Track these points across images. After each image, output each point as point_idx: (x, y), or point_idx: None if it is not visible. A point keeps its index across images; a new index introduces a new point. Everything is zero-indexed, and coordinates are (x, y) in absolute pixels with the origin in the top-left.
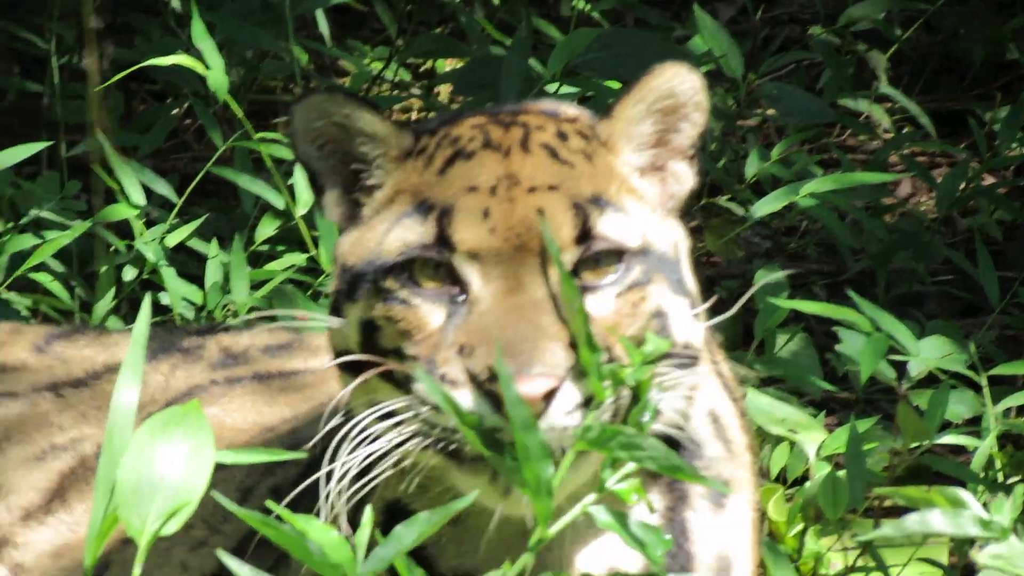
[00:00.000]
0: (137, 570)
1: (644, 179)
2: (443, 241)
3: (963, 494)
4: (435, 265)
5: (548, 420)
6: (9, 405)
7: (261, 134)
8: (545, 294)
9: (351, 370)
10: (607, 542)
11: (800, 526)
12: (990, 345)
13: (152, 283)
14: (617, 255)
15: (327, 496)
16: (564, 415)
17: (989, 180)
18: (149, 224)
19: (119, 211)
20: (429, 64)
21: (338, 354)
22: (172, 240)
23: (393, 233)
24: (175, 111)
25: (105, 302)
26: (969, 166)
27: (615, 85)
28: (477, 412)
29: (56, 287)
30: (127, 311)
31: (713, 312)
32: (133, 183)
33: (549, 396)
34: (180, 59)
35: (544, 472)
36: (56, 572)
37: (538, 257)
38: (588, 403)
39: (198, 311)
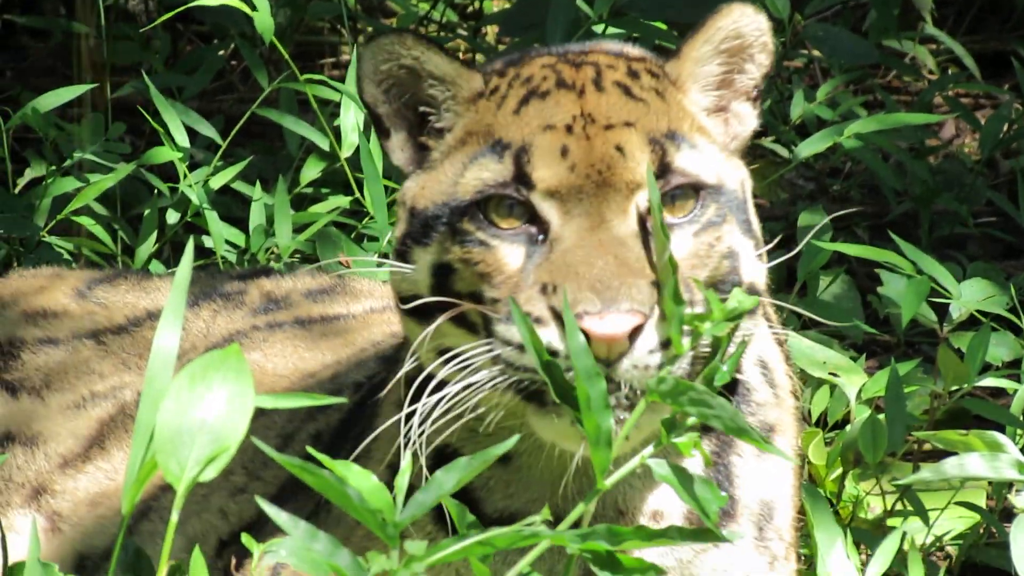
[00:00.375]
0: (175, 516)
1: (711, 119)
2: (521, 179)
3: (1001, 438)
4: (512, 204)
5: (632, 358)
6: (50, 352)
7: (307, 75)
8: (628, 231)
9: (419, 315)
10: (656, 486)
11: (839, 470)
12: None
13: (195, 226)
14: (694, 191)
15: (407, 443)
16: (647, 353)
17: None
18: (193, 166)
19: (163, 153)
20: (476, 4)
21: (404, 299)
22: (216, 182)
23: (469, 172)
24: (221, 52)
25: (147, 246)
26: (1013, 107)
27: (662, 26)
28: (563, 351)
29: (99, 230)
30: (170, 254)
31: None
32: (177, 125)
33: (634, 333)
34: (227, 0)
35: (605, 422)
36: (93, 520)
37: (619, 193)
38: (670, 343)
39: (241, 254)
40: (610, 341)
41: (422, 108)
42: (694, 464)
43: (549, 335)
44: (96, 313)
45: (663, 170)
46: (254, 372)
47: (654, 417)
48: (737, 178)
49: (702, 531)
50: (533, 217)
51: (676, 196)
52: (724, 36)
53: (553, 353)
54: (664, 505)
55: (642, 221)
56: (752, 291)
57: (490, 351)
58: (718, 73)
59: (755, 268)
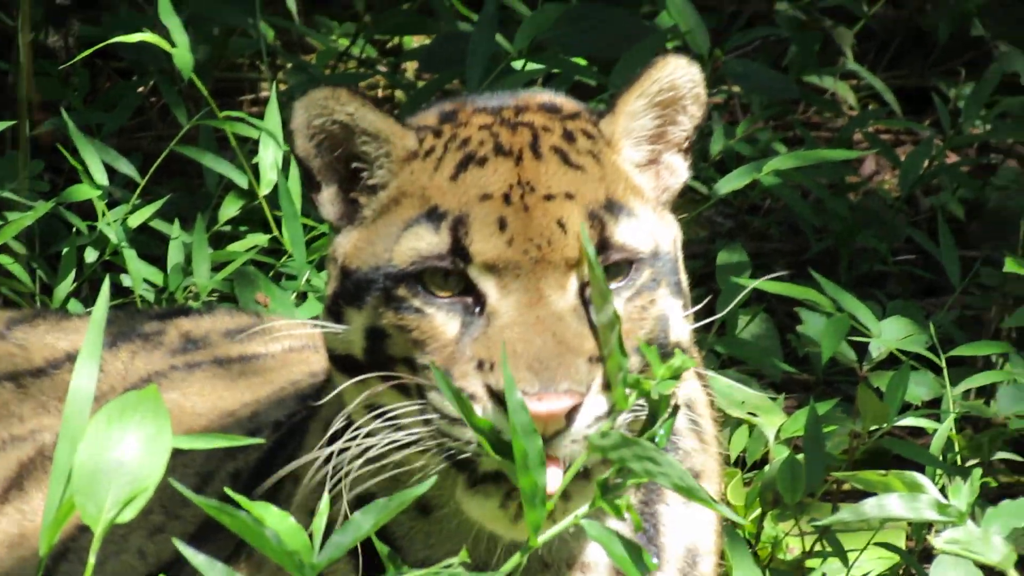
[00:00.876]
0: (92, 558)
1: (643, 174)
2: (458, 251)
3: (920, 478)
4: (447, 274)
5: (570, 434)
6: None
7: (226, 112)
8: (566, 306)
9: (351, 372)
10: (584, 539)
11: (758, 510)
12: (951, 325)
13: (114, 265)
14: (628, 264)
15: (331, 485)
16: (585, 427)
17: (953, 158)
18: (112, 204)
19: (82, 191)
20: (396, 40)
21: (336, 357)
22: (134, 221)
23: (404, 241)
24: (140, 89)
25: (66, 284)
26: (933, 144)
27: (582, 62)
28: (497, 427)
29: (17, 269)
30: (88, 293)
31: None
32: (96, 163)
33: (571, 412)
34: (146, 36)
35: (540, 478)
36: (13, 562)
37: (558, 269)
38: (610, 414)
39: (159, 293)
40: (547, 420)
41: (354, 164)
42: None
43: (482, 412)
44: (15, 355)
45: (602, 245)
46: (172, 411)
47: (590, 485)
48: (670, 238)
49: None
50: (469, 288)
51: (610, 268)
52: (659, 89)
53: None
54: (591, 557)
55: (580, 292)
56: (679, 348)
57: (422, 414)
58: (651, 127)
59: (682, 327)
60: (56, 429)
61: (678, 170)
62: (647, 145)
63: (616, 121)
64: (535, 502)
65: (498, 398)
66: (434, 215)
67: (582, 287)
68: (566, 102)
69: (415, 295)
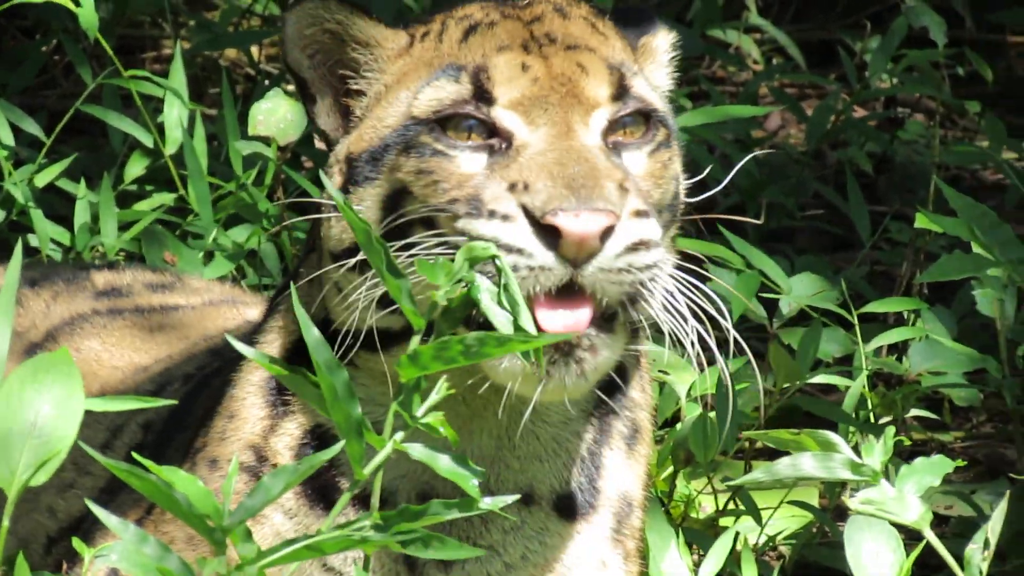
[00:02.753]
0: (5, 522)
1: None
2: (481, 96)
3: (834, 437)
4: (472, 124)
5: (600, 260)
6: None
7: (131, 71)
8: (594, 142)
9: (355, 269)
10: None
11: (670, 469)
12: (861, 281)
13: (20, 225)
14: (645, 117)
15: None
16: (615, 256)
17: (860, 112)
18: (18, 164)
19: None
20: None
21: (340, 254)
22: (41, 180)
23: (423, 94)
24: (44, 48)
25: None
26: (839, 98)
27: None
28: (530, 250)
29: None
30: None
31: None
32: (1, 121)
33: (606, 234)
34: None
35: (354, 412)
36: None
37: (582, 106)
38: (637, 247)
39: (66, 252)
40: (583, 240)
41: (342, 71)
42: (575, 445)
43: (518, 234)
44: None
45: (622, 92)
46: (91, 361)
47: (609, 357)
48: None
49: (465, 502)
50: (493, 132)
51: (627, 123)
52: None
53: (519, 251)
54: (537, 488)
55: (603, 138)
56: (678, 219)
57: (443, 240)
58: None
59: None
60: None
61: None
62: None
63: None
64: (352, 434)
65: (533, 218)
66: (451, 68)
67: (605, 132)
68: None
69: (437, 140)
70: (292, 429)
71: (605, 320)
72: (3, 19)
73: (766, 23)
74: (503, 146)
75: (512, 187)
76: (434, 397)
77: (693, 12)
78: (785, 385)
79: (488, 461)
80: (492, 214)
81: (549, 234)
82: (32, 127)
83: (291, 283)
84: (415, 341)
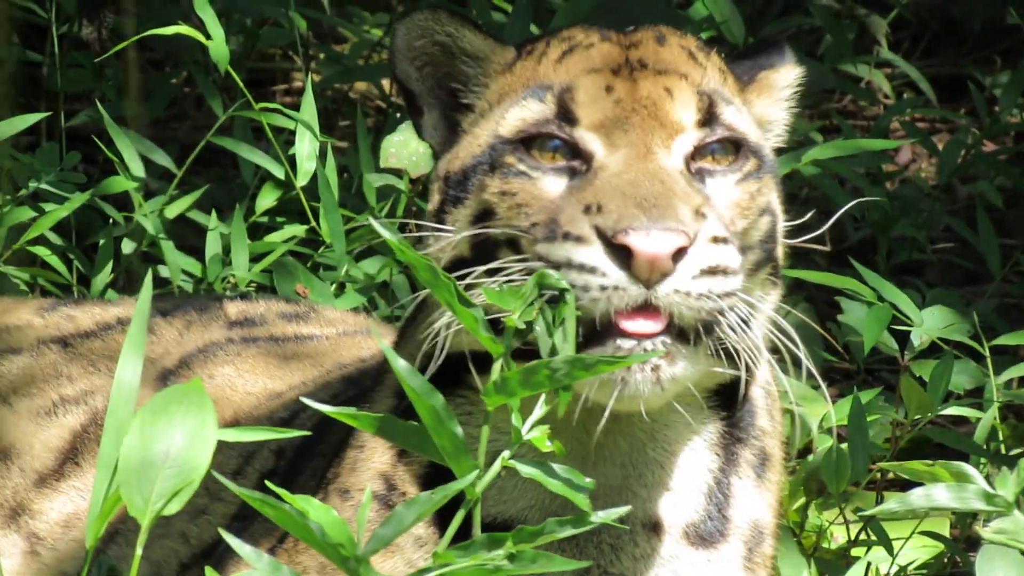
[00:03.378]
0: (139, 550)
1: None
2: (564, 116)
3: (967, 468)
4: (556, 144)
5: (674, 280)
6: (14, 360)
7: (261, 104)
8: (673, 165)
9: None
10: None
11: (802, 499)
12: (991, 314)
13: (151, 256)
14: (735, 146)
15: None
16: (690, 278)
17: (990, 147)
18: (148, 195)
19: (118, 183)
20: None
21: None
22: (171, 212)
23: (510, 114)
24: (174, 80)
25: (103, 275)
26: (969, 132)
27: None
28: (603, 269)
29: (54, 260)
30: (125, 283)
31: None
32: (132, 154)
33: (678, 255)
34: (181, 29)
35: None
36: (66, 544)
37: (664, 130)
38: (715, 272)
39: (197, 284)
40: (654, 260)
41: (454, 85)
42: (701, 474)
43: (591, 254)
44: (62, 323)
45: (709, 119)
46: (224, 387)
47: (689, 369)
48: (773, 154)
49: (578, 518)
50: (576, 153)
51: (716, 150)
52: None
53: (591, 270)
54: (666, 520)
55: (686, 163)
56: (779, 263)
57: (525, 264)
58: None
59: (782, 240)
60: (108, 390)
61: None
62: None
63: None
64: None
65: (606, 239)
66: (539, 90)
67: (688, 159)
68: None
69: (521, 160)
70: (420, 457)
71: (683, 334)
72: (134, 51)
73: (897, 57)
74: (583, 168)
75: (587, 209)
76: (537, 413)
77: (824, 46)
78: (916, 416)
79: (616, 491)
80: (567, 236)
81: (621, 254)
82: (163, 159)
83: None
84: (497, 368)
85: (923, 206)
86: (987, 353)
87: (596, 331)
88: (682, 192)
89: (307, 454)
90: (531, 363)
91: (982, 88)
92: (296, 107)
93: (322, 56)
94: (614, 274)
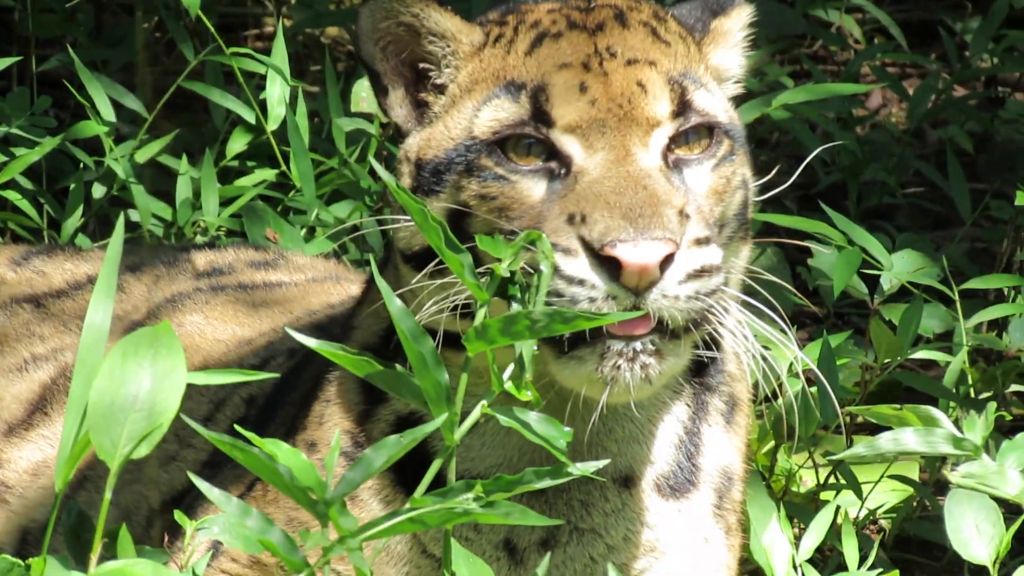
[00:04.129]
0: (107, 494)
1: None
2: (540, 117)
3: (936, 412)
4: (531, 143)
5: (662, 287)
6: None
7: (232, 48)
8: (652, 164)
9: (421, 268)
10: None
11: (771, 443)
12: (961, 258)
13: (122, 200)
14: (708, 130)
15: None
16: (677, 284)
17: (960, 91)
18: (119, 140)
19: (89, 127)
20: None
21: (410, 256)
22: (142, 156)
23: (483, 113)
24: (146, 25)
25: (74, 219)
26: (940, 77)
27: None
28: (592, 281)
29: (25, 204)
30: (96, 228)
31: None
32: (103, 99)
33: (665, 262)
34: None
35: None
36: (35, 491)
37: (640, 127)
38: (700, 274)
39: (168, 228)
40: (643, 270)
41: (421, 65)
42: (671, 425)
43: (578, 267)
44: (34, 280)
45: (682, 108)
46: (193, 335)
47: (676, 363)
48: (739, 119)
49: (556, 469)
50: (552, 154)
51: (691, 135)
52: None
53: (580, 282)
54: (639, 471)
55: (664, 157)
56: (747, 219)
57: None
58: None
59: (752, 200)
60: (78, 348)
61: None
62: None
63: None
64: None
65: (592, 250)
66: (512, 87)
67: (665, 151)
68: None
69: (498, 164)
70: (387, 415)
71: (673, 332)
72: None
73: (867, 3)
74: (562, 171)
75: (571, 219)
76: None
77: None
78: (886, 360)
79: (585, 446)
80: (553, 247)
81: (609, 265)
82: (133, 103)
83: (378, 272)
84: (481, 314)
85: (893, 151)
86: (956, 297)
87: (581, 334)
88: (665, 195)
89: (278, 402)
90: (511, 312)
91: (952, 33)
92: (267, 52)
93: (293, 1)
94: (603, 286)
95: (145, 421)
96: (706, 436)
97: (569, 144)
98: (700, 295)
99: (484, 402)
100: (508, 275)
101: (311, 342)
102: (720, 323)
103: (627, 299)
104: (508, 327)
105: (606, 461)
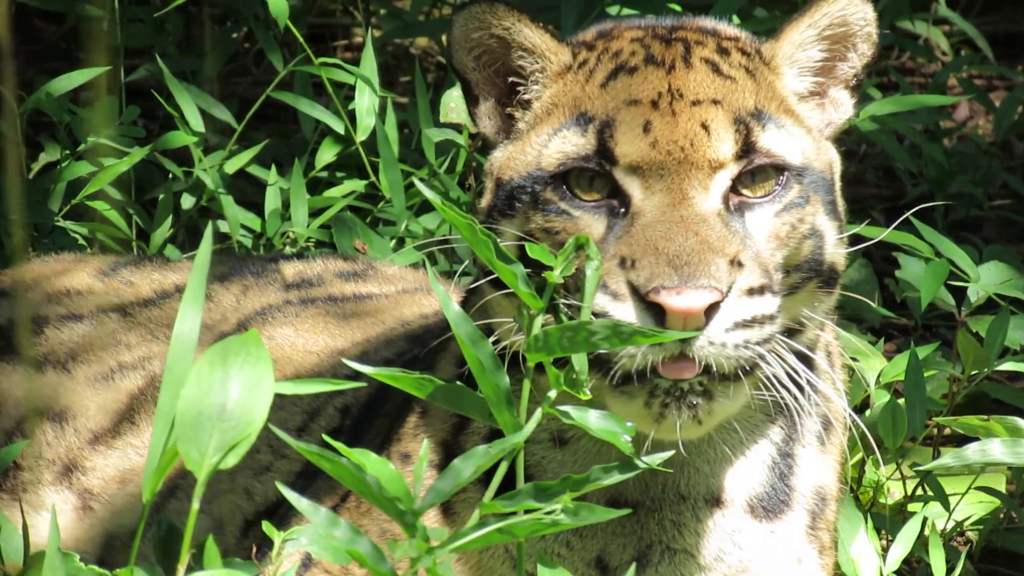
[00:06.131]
0: (195, 504)
1: (804, 103)
2: (604, 153)
3: (1022, 423)
4: (593, 177)
5: (708, 334)
6: (74, 327)
7: (321, 59)
8: (710, 208)
9: (497, 287)
10: (722, 472)
11: (860, 455)
12: None
13: (210, 211)
14: (777, 171)
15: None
16: (724, 331)
17: None
18: (208, 151)
19: (178, 138)
20: None
21: (487, 271)
22: (231, 166)
23: (552, 144)
24: (234, 35)
25: (163, 230)
26: None
27: (676, 7)
28: (639, 325)
29: (113, 215)
30: (185, 239)
31: None
32: (192, 109)
33: (711, 310)
34: None
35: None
36: (123, 498)
37: (701, 171)
38: (751, 323)
39: (257, 238)
40: (686, 316)
41: (511, 78)
42: (765, 447)
43: (625, 311)
44: (121, 290)
45: (746, 149)
46: (284, 347)
47: (727, 404)
48: (825, 160)
49: (625, 464)
50: (615, 191)
51: (756, 175)
52: (829, 22)
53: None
54: (729, 494)
55: (725, 200)
56: (832, 272)
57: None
58: (818, 59)
59: (837, 250)
60: (165, 357)
61: (843, 105)
62: (811, 76)
63: (778, 46)
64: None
65: (639, 295)
66: (582, 119)
67: (727, 193)
68: (728, 27)
69: (562, 198)
70: (480, 427)
71: (724, 376)
72: (194, 7)
73: (955, 15)
74: (622, 210)
75: (622, 262)
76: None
77: (882, 4)
78: (973, 372)
79: (677, 465)
80: (604, 288)
81: (654, 310)
82: (223, 114)
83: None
84: (537, 324)
85: (980, 162)
86: None
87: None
88: (717, 242)
89: (373, 413)
90: (570, 323)
91: None
92: (356, 63)
93: (382, 12)
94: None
95: (233, 431)
96: (800, 458)
97: (630, 184)
98: (750, 344)
99: (546, 401)
100: (561, 282)
101: (367, 369)
102: (774, 369)
103: (673, 344)
104: (567, 337)
105: (670, 453)
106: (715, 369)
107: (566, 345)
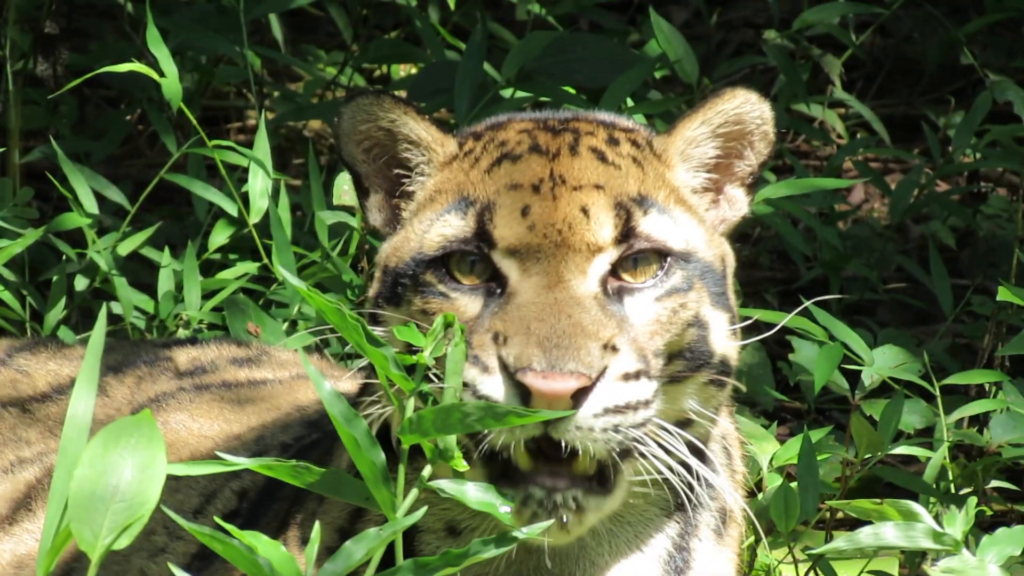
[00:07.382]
0: None
1: (698, 197)
2: (482, 236)
3: (916, 507)
4: (473, 261)
5: (575, 419)
6: None
7: (215, 141)
8: (586, 291)
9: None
10: (626, 562)
11: (751, 538)
12: (942, 354)
13: (104, 292)
14: (659, 256)
15: None
16: (591, 416)
17: (943, 186)
18: (102, 232)
19: (72, 219)
20: (384, 69)
21: None
22: (124, 248)
23: (433, 228)
24: (128, 117)
25: (56, 312)
26: (923, 172)
27: (570, 90)
28: (504, 403)
29: (7, 296)
30: (78, 320)
31: None
32: (86, 191)
33: (579, 395)
34: (135, 67)
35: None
36: None
37: (579, 254)
38: (624, 409)
39: (150, 320)
40: (551, 400)
41: (398, 170)
42: (660, 541)
43: (493, 386)
44: (19, 381)
45: (627, 234)
46: (180, 432)
47: (600, 513)
48: (715, 252)
49: (503, 537)
50: (494, 274)
51: (639, 260)
52: (723, 120)
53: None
54: None
55: (603, 283)
56: (724, 364)
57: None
58: (712, 155)
59: (727, 342)
60: None
61: (738, 203)
62: (705, 173)
63: (671, 141)
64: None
65: (508, 373)
66: (463, 203)
67: (606, 277)
68: (626, 121)
69: (440, 280)
70: (378, 515)
71: (600, 477)
72: (87, 88)
73: (850, 98)
74: (498, 291)
75: (495, 337)
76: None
77: (778, 87)
78: (867, 456)
79: (573, 558)
80: (475, 360)
81: (521, 389)
82: (116, 195)
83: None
84: (411, 406)
85: (875, 246)
86: (937, 393)
87: (510, 470)
88: (591, 326)
89: (270, 496)
90: (445, 404)
91: (935, 128)
92: (250, 145)
93: (276, 94)
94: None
95: (126, 512)
96: (696, 551)
97: (508, 267)
98: (621, 428)
99: (425, 473)
100: (432, 363)
101: (242, 461)
102: (654, 453)
103: (536, 427)
104: (442, 420)
105: (550, 522)
106: (585, 454)
107: (440, 426)
